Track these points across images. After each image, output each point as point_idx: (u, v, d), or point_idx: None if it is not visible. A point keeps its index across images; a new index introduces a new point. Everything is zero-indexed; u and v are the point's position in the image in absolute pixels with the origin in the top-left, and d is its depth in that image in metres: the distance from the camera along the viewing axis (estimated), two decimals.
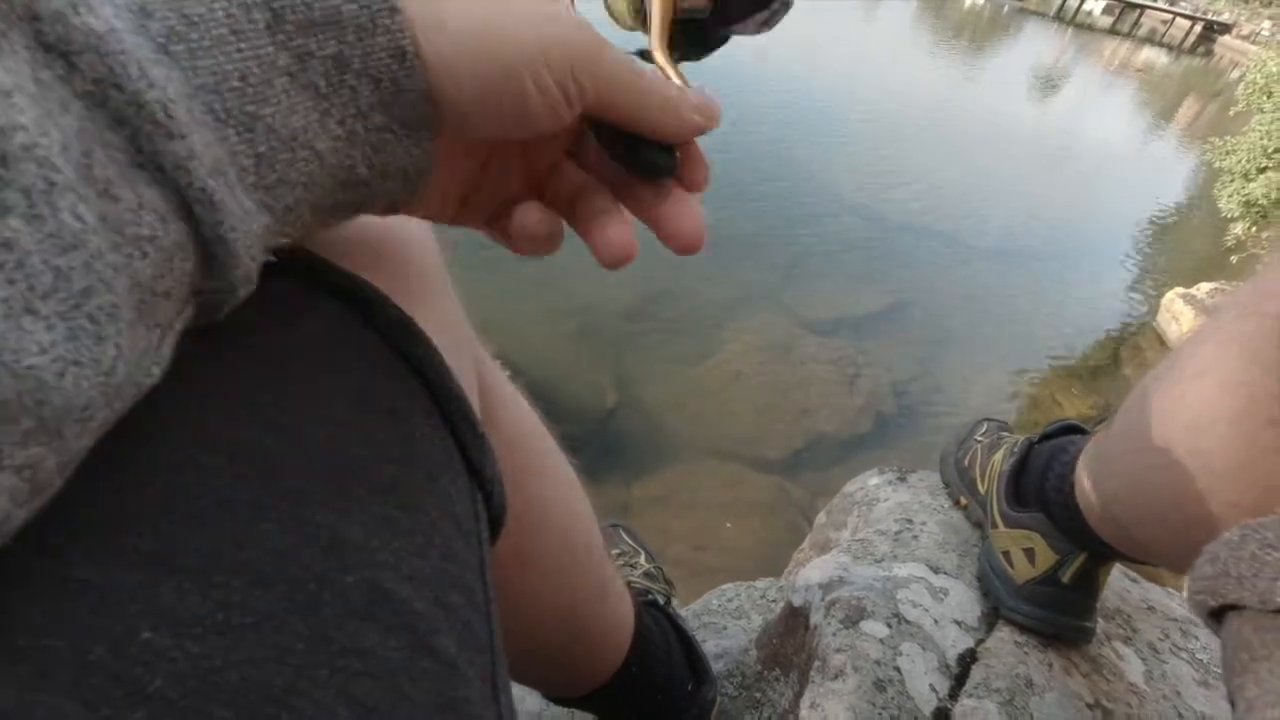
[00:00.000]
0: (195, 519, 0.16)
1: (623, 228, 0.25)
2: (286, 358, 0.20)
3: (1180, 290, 5.01)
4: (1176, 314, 4.88)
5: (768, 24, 0.38)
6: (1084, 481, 0.56)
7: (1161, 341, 4.94)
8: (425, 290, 0.27)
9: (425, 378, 0.23)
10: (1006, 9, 28.61)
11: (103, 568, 0.15)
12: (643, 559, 0.75)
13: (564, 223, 0.26)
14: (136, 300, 0.15)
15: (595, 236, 0.25)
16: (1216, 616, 0.22)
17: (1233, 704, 0.20)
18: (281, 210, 0.18)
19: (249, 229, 0.17)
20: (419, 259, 0.28)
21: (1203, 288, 5.01)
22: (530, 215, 0.25)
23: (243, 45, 0.17)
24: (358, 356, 0.22)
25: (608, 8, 0.38)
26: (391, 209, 0.23)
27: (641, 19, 0.36)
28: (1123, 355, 4.86)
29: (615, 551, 0.76)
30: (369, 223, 0.26)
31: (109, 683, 0.14)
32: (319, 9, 0.18)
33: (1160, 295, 5.25)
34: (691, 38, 0.37)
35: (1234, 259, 5.87)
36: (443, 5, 0.20)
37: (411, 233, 0.29)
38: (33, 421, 0.13)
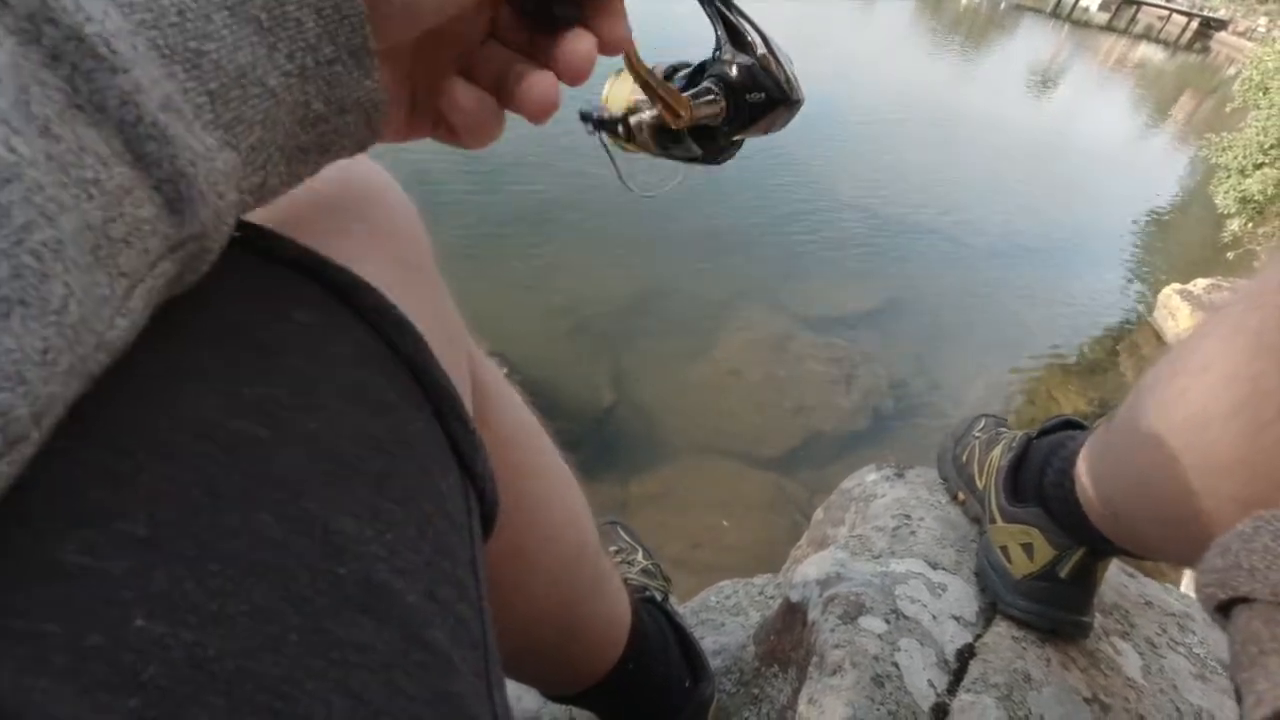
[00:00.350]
0: (189, 507, 0.16)
1: (543, 76, 0.26)
2: (279, 349, 0.20)
3: (1177, 286, 5.02)
4: (1173, 310, 4.89)
5: (781, 124, 0.38)
6: (1085, 477, 0.56)
7: (1158, 338, 4.95)
8: (416, 284, 0.27)
9: (416, 372, 0.23)
10: (1003, 5, 28.63)
11: (97, 554, 0.15)
12: (640, 556, 0.75)
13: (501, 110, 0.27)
14: (90, 244, 0.14)
15: (520, 92, 0.26)
16: (1225, 610, 0.22)
17: (1239, 698, 0.20)
18: (246, 150, 0.18)
19: (212, 165, 0.17)
20: (410, 253, 0.28)
21: (1199, 283, 5.02)
22: (461, 94, 0.26)
23: None
24: (349, 349, 0.22)
25: (604, 98, 0.38)
26: (359, 148, 0.23)
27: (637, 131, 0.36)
28: (1120, 351, 4.88)
29: (613, 549, 0.76)
30: (360, 215, 0.26)
31: (104, 669, 0.14)
32: None
33: (1157, 291, 5.26)
34: (705, 146, 0.38)
35: (1230, 255, 5.89)
36: None
37: (402, 226, 0.29)
38: None
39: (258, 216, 0.23)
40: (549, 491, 0.41)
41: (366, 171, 0.29)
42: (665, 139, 0.37)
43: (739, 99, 0.36)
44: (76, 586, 0.14)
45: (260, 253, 0.22)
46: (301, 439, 0.19)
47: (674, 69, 0.38)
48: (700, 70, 0.37)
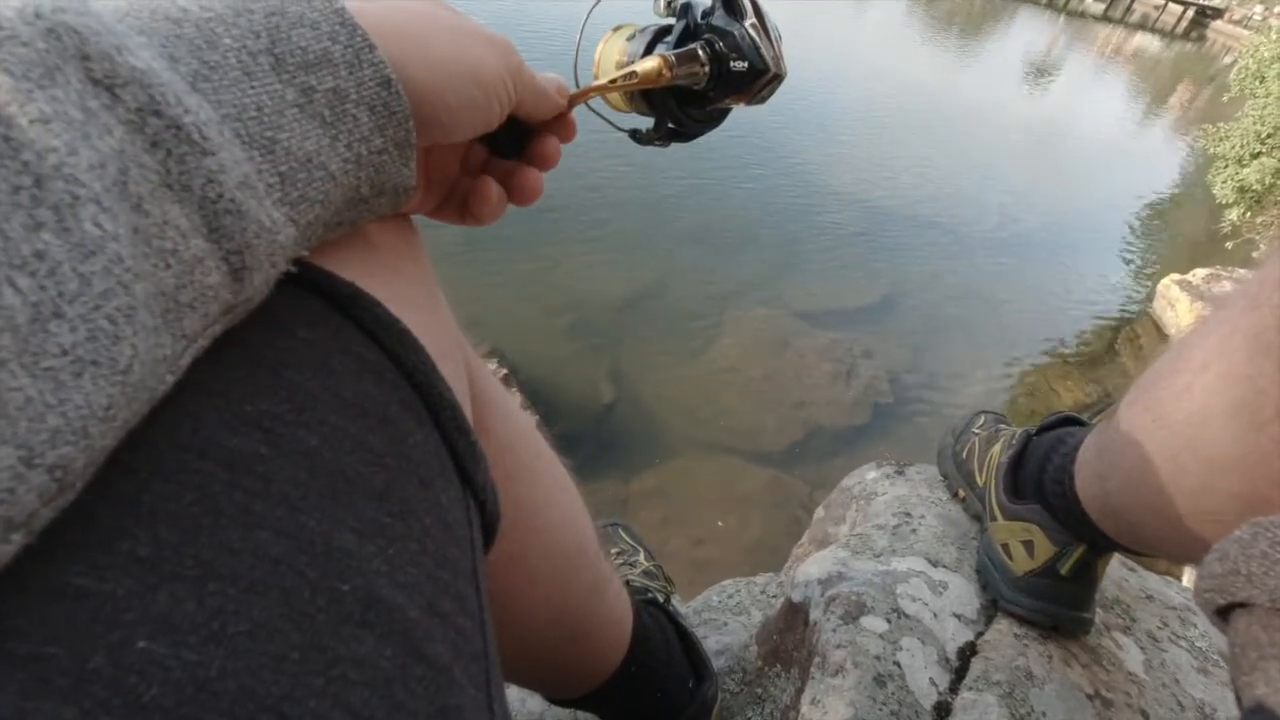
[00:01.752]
0: (190, 526, 0.16)
1: (530, 173, 0.34)
2: (280, 364, 0.20)
3: (1176, 277, 5.02)
4: (1172, 300, 4.89)
5: (762, 96, 0.39)
6: (1085, 474, 0.56)
7: (1158, 328, 4.95)
8: (417, 296, 0.27)
9: (417, 384, 0.23)
10: None
11: (99, 575, 0.15)
12: (642, 557, 0.75)
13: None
14: (161, 309, 0.16)
15: (515, 183, 0.34)
16: (1224, 614, 0.22)
17: (1239, 701, 0.20)
18: (304, 225, 0.21)
19: (274, 239, 0.19)
20: (410, 265, 0.28)
21: (1198, 273, 5.02)
22: (490, 187, 0.33)
23: (254, 84, 0.19)
24: (351, 363, 0.22)
25: (596, 59, 0.40)
26: (376, 220, 0.26)
27: (631, 91, 0.38)
28: (1119, 342, 4.88)
29: (614, 550, 0.76)
30: (360, 230, 0.26)
31: (106, 691, 0.14)
32: (313, 51, 0.21)
33: (1156, 282, 5.26)
34: (692, 113, 0.39)
35: (1229, 245, 5.89)
36: (425, 38, 0.25)
37: (402, 239, 0.29)
38: (58, 420, 0.13)
39: None
40: (547, 496, 0.41)
41: None
42: (652, 100, 0.39)
43: (723, 65, 0.37)
44: (80, 608, 0.14)
45: None
46: (302, 455, 0.19)
47: (663, 30, 0.38)
48: (690, 33, 0.37)
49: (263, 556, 0.17)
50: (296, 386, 0.20)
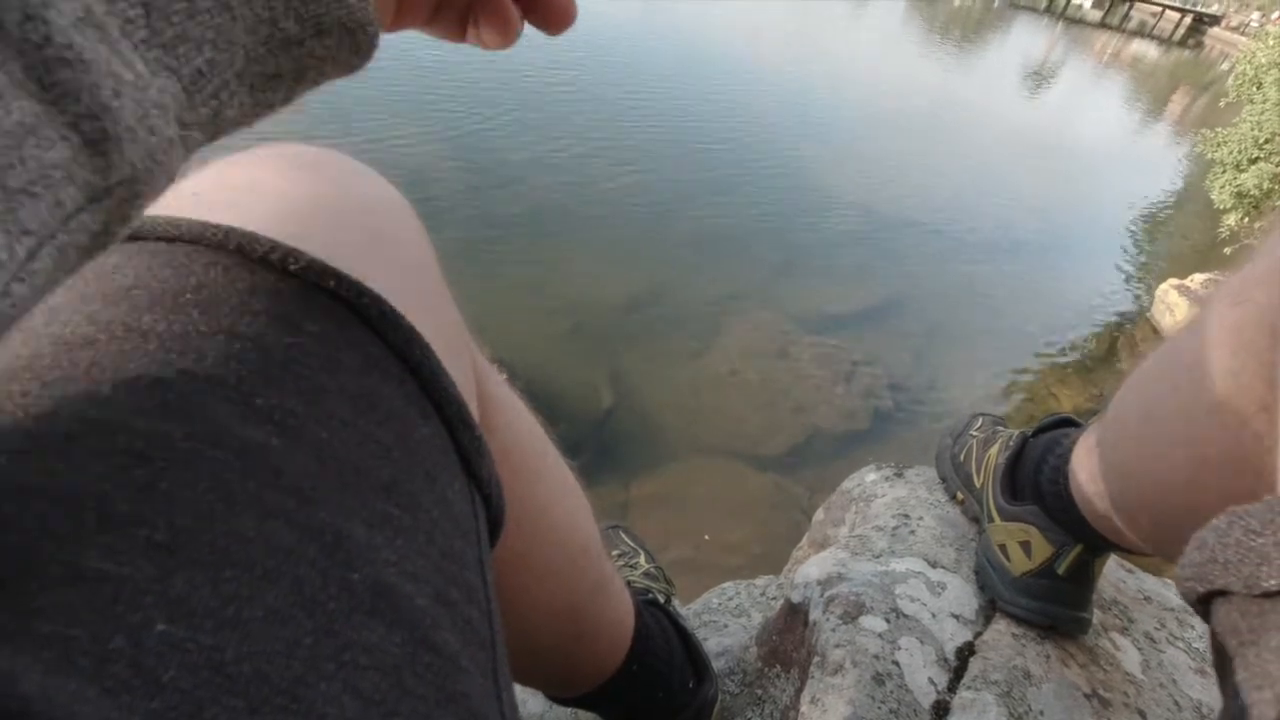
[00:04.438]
0: (204, 514, 0.17)
1: None
2: (290, 360, 0.21)
3: (1174, 281, 5.04)
4: (1171, 305, 4.90)
5: None
6: (1079, 474, 0.57)
7: (1156, 332, 4.96)
8: (422, 291, 0.27)
9: (423, 380, 0.24)
10: (997, 4, 28.67)
11: (118, 559, 0.15)
12: (642, 559, 0.75)
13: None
14: None
15: (543, 6, 0.26)
16: (1205, 603, 0.22)
17: (1222, 688, 0.20)
18: (190, 74, 0.15)
19: (143, 95, 0.14)
20: (414, 260, 0.28)
21: (1197, 279, 5.03)
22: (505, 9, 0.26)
23: None
24: (358, 359, 0.22)
25: None
26: (346, 72, 0.20)
27: None
28: (1119, 347, 4.89)
29: (615, 552, 0.77)
30: (364, 225, 0.27)
31: (127, 671, 0.14)
32: None
33: (1155, 287, 5.27)
34: None
35: (1228, 250, 5.90)
36: None
37: (405, 234, 0.29)
38: None
39: (256, 219, 0.23)
40: (551, 495, 0.42)
41: (368, 180, 0.30)
42: None
43: None
44: (100, 591, 0.15)
45: (271, 265, 0.22)
46: (312, 447, 0.19)
47: None
48: None
49: (275, 545, 0.17)
50: (306, 380, 0.20)
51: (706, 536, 2.73)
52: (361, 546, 0.19)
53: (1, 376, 0.18)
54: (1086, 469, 0.56)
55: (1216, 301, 0.43)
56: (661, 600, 0.66)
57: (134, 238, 0.22)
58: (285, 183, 0.26)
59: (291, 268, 0.22)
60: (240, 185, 0.25)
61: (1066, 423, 0.67)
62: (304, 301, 0.22)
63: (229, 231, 0.22)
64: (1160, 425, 0.45)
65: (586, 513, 0.46)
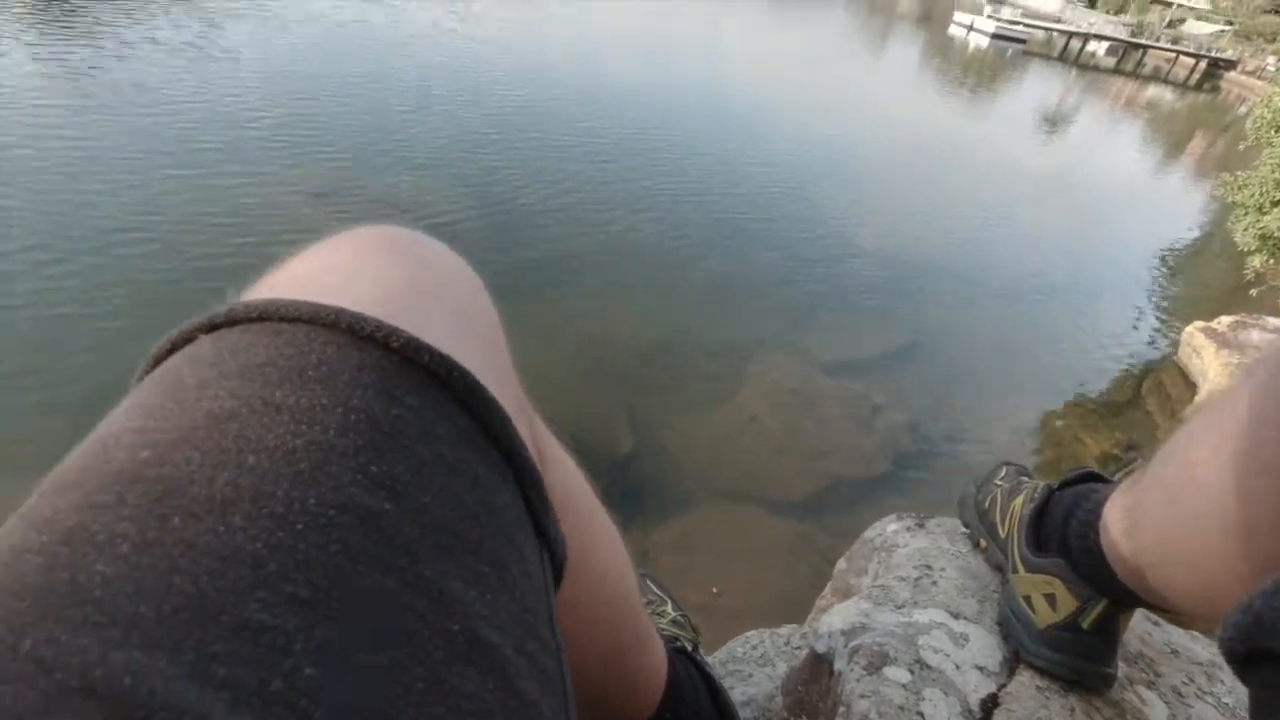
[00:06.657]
0: (335, 573, 0.19)
1: None
2: (395, 430, 0.23)
3: (1200, 324, 4.98)
4: (1198, 348, 4.83)
5: None
6: (1112, 531, 0.57)
7: (1184, 376, 4.88)
8: (496, 363, 0.30)
9: (502, 448, 0.26)
10: (1010, 52, 29.07)
11: (272, 611, 0.18)
12: (670, 607, 0.77)
13: None
14: None
15: None
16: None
17: None
18: None
19: None
20: (490, 336, 0.31)
21: (1223, 320, 4.97)
22: None
23: None
24: (451, 429, 0.25)
25: None
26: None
27: None
28: (1145, 390, 4.81)
29: (644, 600, 0.78)
30: (450, 303, 0.29)
31: (285, 711, 0.17)
32: None
33: (1180, 329, 5.21)
34: None
35: (1253, 292, 5.84)
36: None
37: (483, 310, 0.32)
38: None
39: (361, 300, 0.26)
40: (599, 547, 0.44)
41: (449, 259, 0.33)
42: None
43: None
44: (260, 639, 0.17)
45: (376, 342, 0.25)
46: (417, 511, 0.22)
47: None
48: None
49: (391, 600, 0.20)
50: (408, 450, 0.23)
51: (715, 589, 2.70)
52: (459, 601, 0.21)
53: (169, 446, 0.21)
54: (1120, 526, 0.56)
55: (1262, 366, 0.44)
56: (689, 648, 0.67)
57: (261, 318, 0.25)
58: (383, 264, 0.29)
59: (393, 345, 0.25)
60: (346, 268, 0.29)
61: (1092, 477, 0.68)
62: (403, 376, 0.25)
63: (339, 312, 0.25)
64: (1202, 488, 0.46)
65: (627, 563, 0.48)
